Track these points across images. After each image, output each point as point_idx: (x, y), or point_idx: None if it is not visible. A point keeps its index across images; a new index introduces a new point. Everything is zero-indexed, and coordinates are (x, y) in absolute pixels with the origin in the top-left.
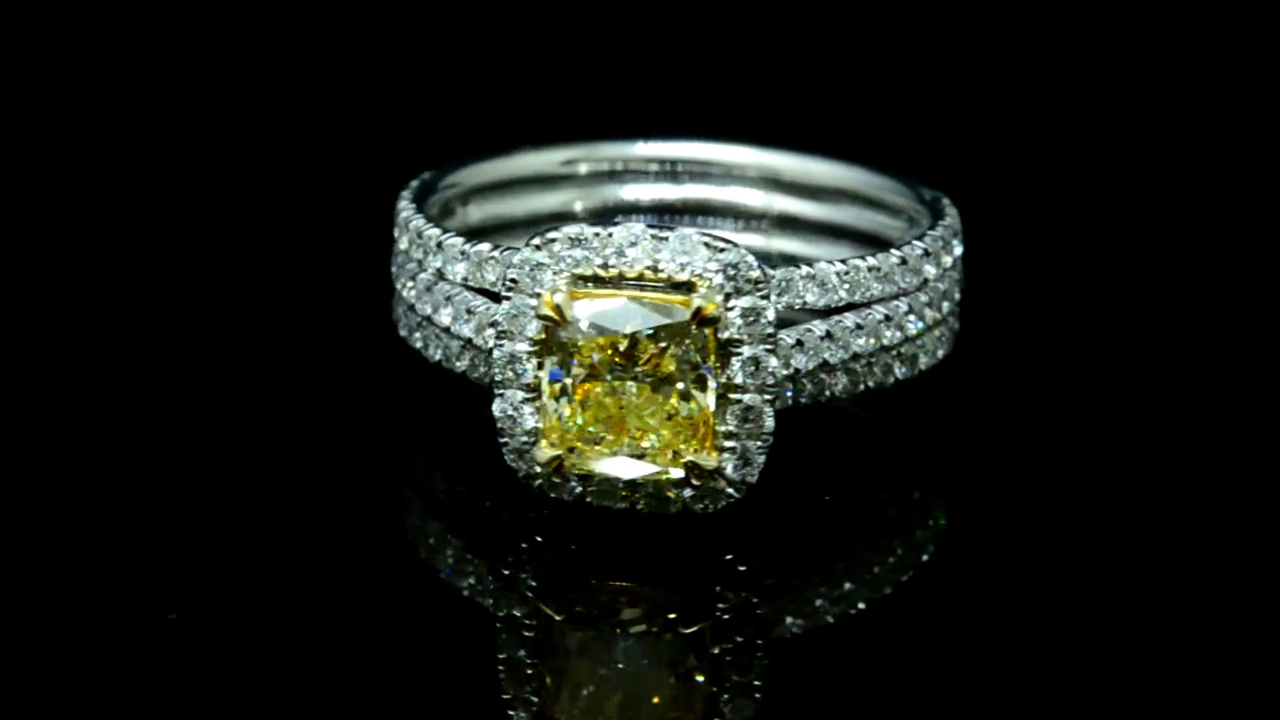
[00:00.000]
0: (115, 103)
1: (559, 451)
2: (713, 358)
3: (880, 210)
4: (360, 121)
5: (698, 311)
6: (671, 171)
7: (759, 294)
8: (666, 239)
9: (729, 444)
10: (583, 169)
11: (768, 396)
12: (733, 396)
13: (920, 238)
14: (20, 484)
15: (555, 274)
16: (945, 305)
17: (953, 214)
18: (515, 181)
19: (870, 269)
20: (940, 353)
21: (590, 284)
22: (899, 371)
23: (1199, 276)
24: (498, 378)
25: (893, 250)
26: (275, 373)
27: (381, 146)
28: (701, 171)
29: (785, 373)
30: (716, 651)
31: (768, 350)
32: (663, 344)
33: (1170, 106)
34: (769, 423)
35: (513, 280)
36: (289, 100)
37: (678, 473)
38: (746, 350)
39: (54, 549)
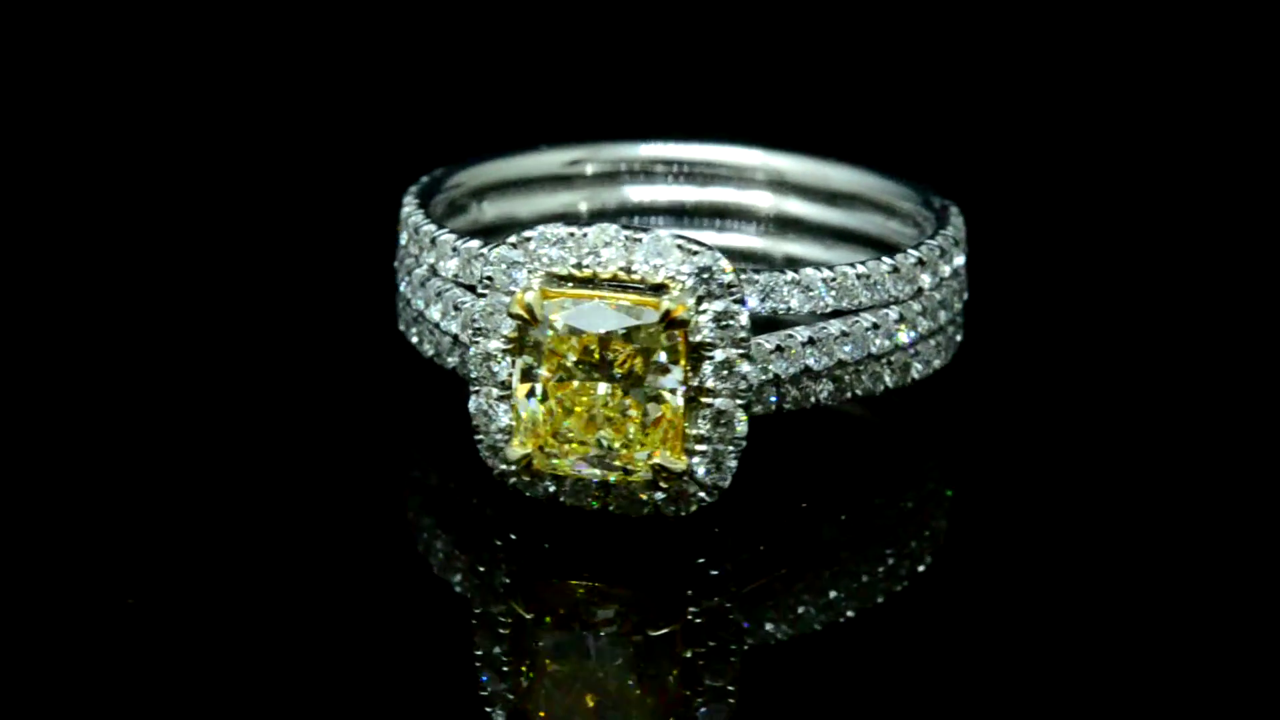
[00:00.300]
0: (157, 102)
1: (529, 450)
2: (683, 361)
3: (890, 216)
4: (378, 121)
5: (666, 314)
6: (678, 173)
7: (732, 298)
8: (640, 240)
9: (699, 447)
10: (589, 169)
11: (740, 401)
12: (703, 400)
13: (917, 246)
14: (23, 486)
15: (530, 273)
16: (943, 315)
17: (957, 223)
18: (520, 182)
19: (859, 276)
20: (936, 363)
21: (566, 284)
22: (889, 380)
23: (1205, 289)
24: (473, 374)
25: (884, 258)
26: (281, 368)
27: (403, 146)
28: (709, 173)
29: (764, 378)
30: (689, 655)
31: (741, 355)
32: (635, 345)
33: (1183, 123)
34: (741, 427)
35: (489, 278)
36: (315, 108)
37: (647, 475)
38: (718, 354)
39: (52, 543)
